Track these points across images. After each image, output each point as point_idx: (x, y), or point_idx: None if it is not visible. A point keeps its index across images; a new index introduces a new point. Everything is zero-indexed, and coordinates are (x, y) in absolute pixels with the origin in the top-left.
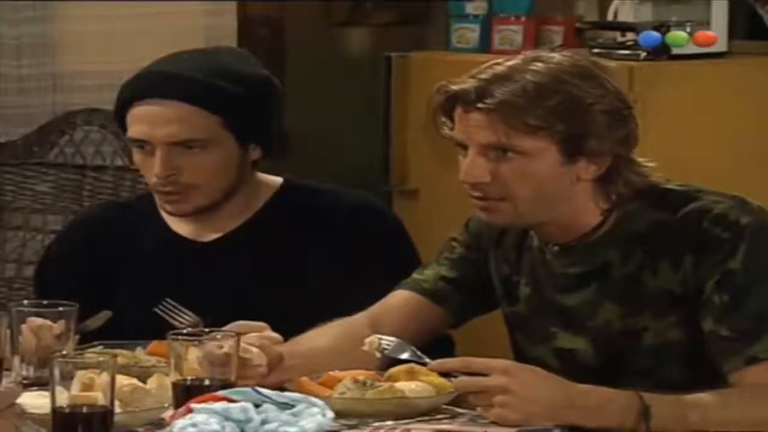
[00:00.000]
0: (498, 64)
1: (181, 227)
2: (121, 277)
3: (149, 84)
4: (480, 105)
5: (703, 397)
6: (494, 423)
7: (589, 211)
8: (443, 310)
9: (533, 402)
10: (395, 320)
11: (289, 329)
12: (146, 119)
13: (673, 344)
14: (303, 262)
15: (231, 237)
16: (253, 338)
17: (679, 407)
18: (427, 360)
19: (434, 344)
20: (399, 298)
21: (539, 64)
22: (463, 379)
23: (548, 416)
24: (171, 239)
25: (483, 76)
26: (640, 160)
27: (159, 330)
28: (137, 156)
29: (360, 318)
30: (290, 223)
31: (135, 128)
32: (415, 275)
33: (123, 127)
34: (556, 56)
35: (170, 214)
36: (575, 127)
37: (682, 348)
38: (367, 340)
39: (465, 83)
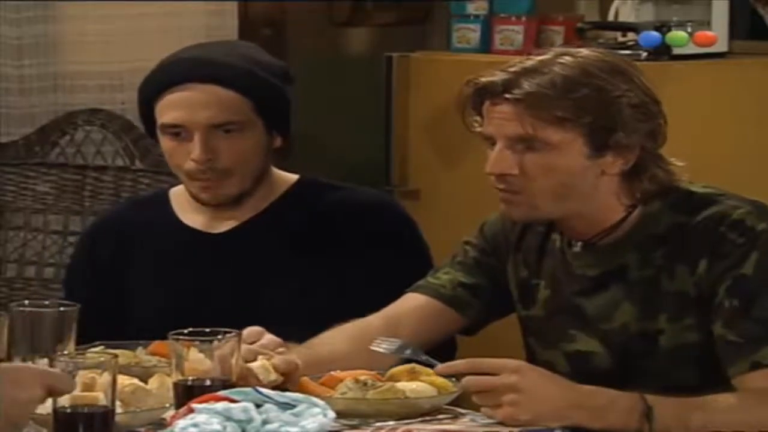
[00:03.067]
0: (528, 59)
1: (193, 219)
2: (137, 272)
3: (184, 69)
4: (508, 96)
5: (707, 399)
6: (496, 424)
7: (612, 207)
8: (461, 317)
9: (543, 401)
10: (412, 324)
11: (296, 324)
12: (184, 104)
13: (688, 347)
14: (314, 257)
15: (242, 229)
16: (273, 361)
17: (683, 409)
18: (435, 362)
19: (439, 347)
20: (415, 302)
21: (567, 58)
22: (472, 379)
23: (557, 416)
24: (182, 232)
25: (512, 69)
26: (669, 159)
27: (173, 322)
28: (169, 144)
29: (375, 320)
30: (303, 218)
31: (171, 114)
32: (430, 279)
33: (148, 119)
34: (584, 51)
35: (204, 203)
36: (602, 119)
37: (697, 351)
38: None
39: (494, 76)
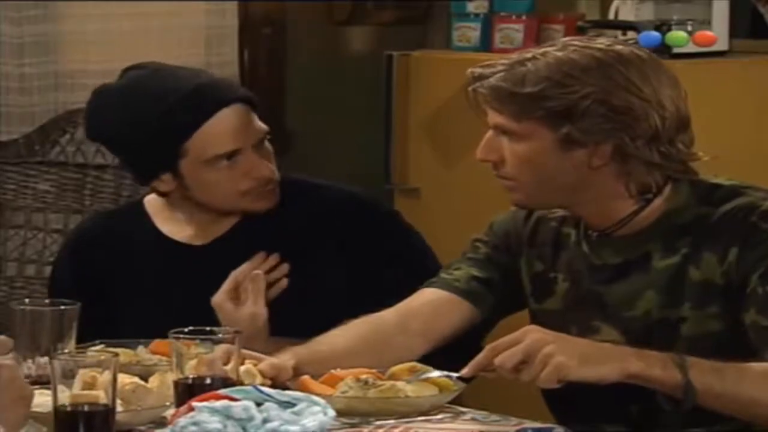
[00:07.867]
0: (526, 52)
1: (174, 231)
2: (123, 289)
3: (216, 96)
4: (480, 89)
5: (742, 364)
6: (496, 422)
7: (619, 199)
8: (476, 310)
9: (574, 343)
10: (426, 317)
11: (290, 326)
12: (231, 129)
13: (711, 336)
14: (301, 257)
15: (229, 237)
16: (260, 366)
17: (717, 365)
18: (454, 374)
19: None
20: (429, 296)
21: (547, 56)
22: (502, 357)
23: (600, 356)
24: (167, 246)
25: (501, 62)
26: (683, 149)
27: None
28: (217, 174)
29: (387, 315)
30: (286, 218)
31: (221, 141)
32: (443, 275)
33: (171, 158)
34: (556, 52)
35: (259, 210)
36: (558, 115)
37: (719, 340)
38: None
39: (475, 68)
